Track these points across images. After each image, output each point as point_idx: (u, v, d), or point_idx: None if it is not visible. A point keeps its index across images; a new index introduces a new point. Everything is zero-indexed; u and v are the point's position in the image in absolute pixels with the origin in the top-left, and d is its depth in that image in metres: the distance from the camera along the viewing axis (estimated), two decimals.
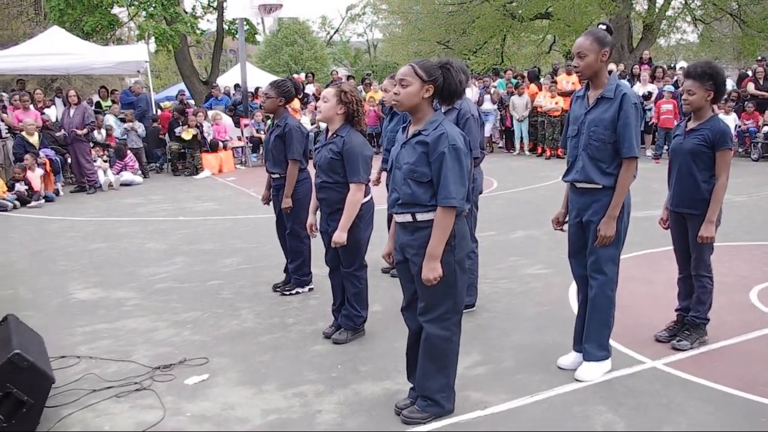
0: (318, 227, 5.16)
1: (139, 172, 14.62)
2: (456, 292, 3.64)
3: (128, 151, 14.52)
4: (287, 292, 6.18)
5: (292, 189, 5.80)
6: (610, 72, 4.14)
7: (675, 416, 3.77)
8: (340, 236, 4.71)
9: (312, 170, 5.18)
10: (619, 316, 4.97)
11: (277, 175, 5.99)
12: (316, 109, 5.08)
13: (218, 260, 7.59)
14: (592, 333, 4.24)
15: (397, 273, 3.89)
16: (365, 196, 4.86)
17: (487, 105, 17.35)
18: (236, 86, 19.25)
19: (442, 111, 5.05)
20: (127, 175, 14.06)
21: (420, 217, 3.56)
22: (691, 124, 4.62)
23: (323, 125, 5.06)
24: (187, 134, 15.01)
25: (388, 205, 3.74)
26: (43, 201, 11.91)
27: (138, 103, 16.28)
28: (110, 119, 14.98)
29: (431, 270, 3.49)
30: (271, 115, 6.10)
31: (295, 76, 18.55)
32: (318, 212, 5.15)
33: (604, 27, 4.12)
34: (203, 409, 4.07)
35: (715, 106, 4.70)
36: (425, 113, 3.59)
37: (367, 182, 4.87)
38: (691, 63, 4.81)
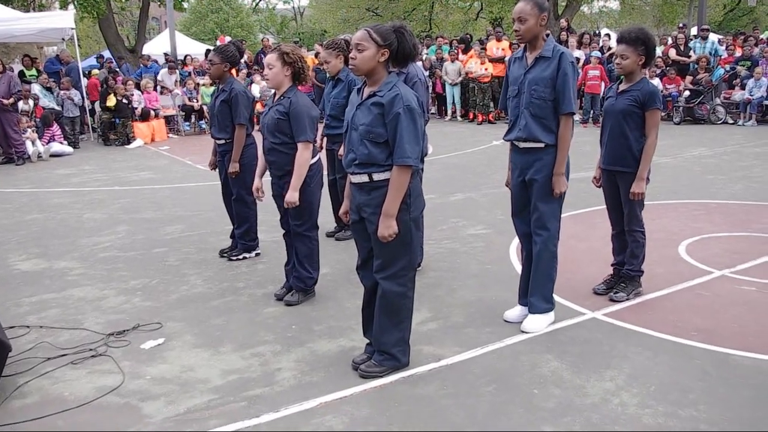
0: (264, 192, 5.20)
1: (64, 142, 14.20)
2: (411, 249, 3.77)
3: (54, 122, 14.09)
4: (234, 258, 6.23)
5: (239, 154, 5.82)
6: (547, 35, 4.31)
7: (617, 362, 4.02)
8: (292, 196, 4.77)
9: (259, 136, 5.21)
10: (559, 272, 5.21)
11: (222, 141, 5.99)
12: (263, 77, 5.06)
13: (161, 228, 7.56)
14: (536, 286, 4.45)
15: (352, 232, 4.00)
16: (313, 157, 4.94)
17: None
18: (165, 55, 18.89)
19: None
20: (56, 146, 13.67)
21: (376, 176, 3.67)
22: (623, 86, 4.85)
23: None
24: (110, 101, 14.68)
25: (344, 165, 3.83)
26: None
27: (69, 72, 15.75)
28: (36, 88, 14.51)
29: (387, 227, 3.61)
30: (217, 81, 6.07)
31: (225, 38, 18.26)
32: (267, 176, 5.19)
33: None
34: (163, 371, 4.13)
35: (645, 70, 4.94)
36: (381, 76, 3.68)
37: (314, 142, 4.93)
38: (624, 29, 5.02)
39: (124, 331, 4.73)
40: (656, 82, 14.92)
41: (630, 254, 4.97)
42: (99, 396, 3.84)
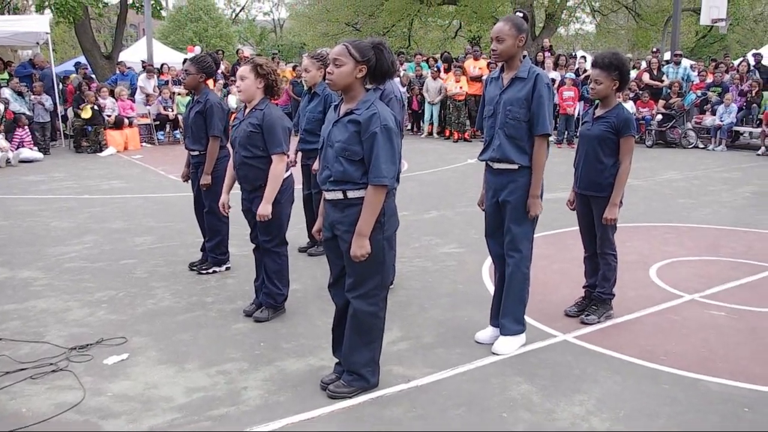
0: (231, 206, 5.12)
1: (34, 148, 13.99)
2: (384, 268, 3.73)
3: (25, 126, 13.87)
4: (204, 271, 6.14)
5: (212, 166, 5.74)
6: (524, 56, 4.32)
7: (587, 385, 4.00)
8: (264, 209, 4.71)
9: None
10: (531, 293, 5.20)
11: (196, 152, 5.92)
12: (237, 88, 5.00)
13: (130, 239, 7.44)
14: (508, 308, 4.43)
15: (324, 250, 3.94)
16: (285, 171, 4.88)
17: None
18: (142, 62, 18.74)
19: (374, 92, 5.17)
20: (26, 152, 13.45)
21: (351, 194, 3.63)
22: (599, 112, 4.87)
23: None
24: (85, 112, 14.50)
25: (318, 182, 3.78)
26: None
27: (43, 77, 15.52)
28: (7, 92, 14.28)
29: (360, 247, 3.57)
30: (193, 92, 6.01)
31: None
32: (236, 189, 5.12)
33: (521, 15, 4.28)
34: (125, 388, 4.02)
35: (620, 94, 4.97)
36: (358, 93, 3.65)
37: (288, 156, 4.88)
38: (598, 53, 5.05)
39: (87, 345, 4.61)
40: (630, 105, 15.09)
41: (602, 277, 4.98)
42: (58, 413, 3.73)
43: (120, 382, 4.11)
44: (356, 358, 3.85)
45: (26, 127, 13.87)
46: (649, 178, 11.26)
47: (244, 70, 4.82)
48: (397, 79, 17.09)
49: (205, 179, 5.75)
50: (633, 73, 17.04)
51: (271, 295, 5.01)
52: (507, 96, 4.24)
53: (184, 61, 18.30)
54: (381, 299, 3.80)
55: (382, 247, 3.67)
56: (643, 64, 17.31)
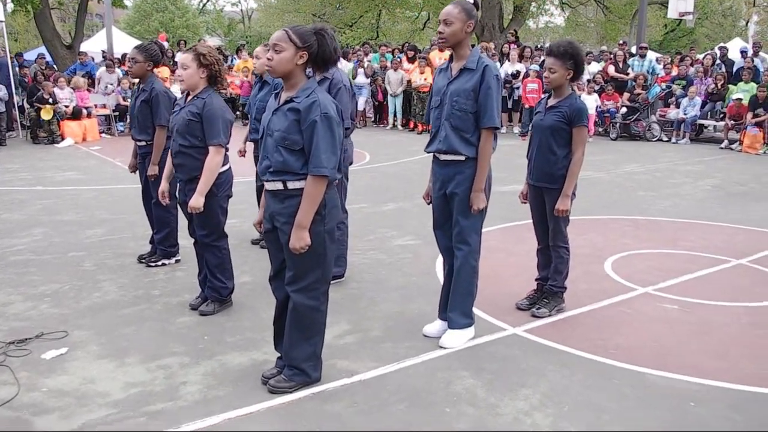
0: (170, 196, 5.01)
1: None
2: (325, 262, 3.64)
3: None
4: (153, 264, 6.00)
5: (159, 156, 5.59)
6: (473, 46, 4.24)
7: (534, 380, 3.94)
8: (197, 200, 4.57)
9: None
10: (483, 286, 5.14)
11: (143, 143, 5.77)
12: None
13: (80, 231, 7.26)
14: (456, 301, 4.36)
15: (265, 242, 3.85)
16: (224, 165, 4.75)
17: (361, 78, 17.38)
18: (103, 52, 18.41)
19: (316, 80, 5.04)
20: None
21: (291, 185, 3.53)
22: (551, 102, 4.81)
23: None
24: (46, 113, 14.17)
25: (258, 172, 3.67)
26: None
27: None
28: None
29: (299, 239, 3.48)
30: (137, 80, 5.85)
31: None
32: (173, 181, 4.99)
33: (472, 1, 4.20)
34: (61, 383, 3.90)
35: (576, 87, 4.92)
36: (298, 80, 3.55)
37: (227, 148, 4.76)
38: (553, 42, 4.98)
39: (26, 339, 4.47)
40: (594, 97, 15.12)
41: (554, 270, 4.93)
42: None
43: (57, 377, 3.99)
44: (297, 353, 3.76)
45: None
46: (611, 170, 11.28)
47: (185, 58, 4.67)
48: (346, 68, 16.96)
49: (152, 170, 5.61)
50: (600, 65, 17.11)
51: (215, 289, 4.90)
52: (454, 87, 4.15)
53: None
54: (322, 293, 3.71)
55: (323, 239, 3.58)
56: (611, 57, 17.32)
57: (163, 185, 5.00)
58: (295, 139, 3.47)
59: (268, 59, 3.50)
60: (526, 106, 15.11)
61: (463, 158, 4.16)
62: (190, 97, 4.74)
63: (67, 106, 14.69)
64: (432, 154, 4.37)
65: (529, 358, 4.22)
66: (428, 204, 4.57)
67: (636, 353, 4.31)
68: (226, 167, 4.77)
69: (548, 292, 4.97)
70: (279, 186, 3.56)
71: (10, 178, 10.50)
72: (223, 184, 4.74)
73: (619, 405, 3.68)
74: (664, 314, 4.99)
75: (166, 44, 17.04)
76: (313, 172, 3.43)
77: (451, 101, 4.15)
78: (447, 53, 13.82)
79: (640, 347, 4.41)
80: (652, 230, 7.39)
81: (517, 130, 15.92)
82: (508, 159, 11.70)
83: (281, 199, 3.58)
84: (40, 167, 11.55)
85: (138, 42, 24.72)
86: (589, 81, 15.73)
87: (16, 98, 15.15)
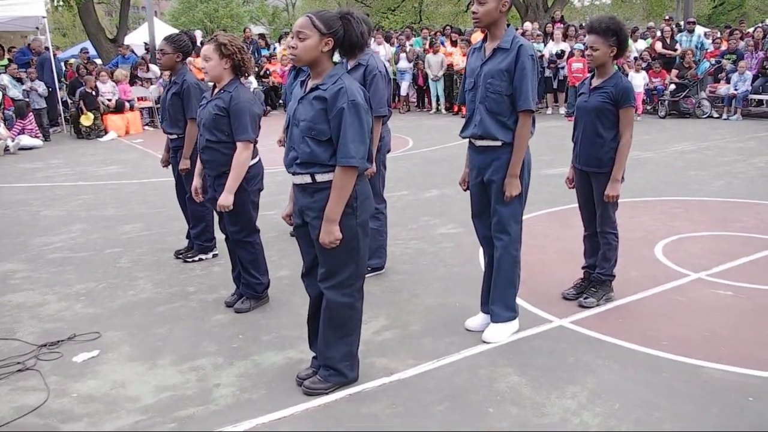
0: (204, 192, 4.88)
1: (39, 135, 13.86)
2: (358, 256, 3.47)
3: (30, 113, 13.74)
4: (189, 259, 5.91)
5: (191, 150, 5.47)
6: (508, 25, 4.00)
7: (581, 376, 3.72)
8: (226, 199, 4.43)
9: None
10: (528, 275, 4.96)
11: (174, 136, 5.67)
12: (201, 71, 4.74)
13: (118, 227, 7.22)
14: (498, 294, 4.16)
15: (296, 238, 3.68)
16: (253, 158, 4.60)
17: (403, 63, 17.15)
18: (145, 44, 18.50)
19: (349, 66, 4.87)
20: (26, 139, 13.30)
21: (320, 177, 3.35)
22: (595, 82, 4.55)
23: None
24: (86, 119, 14.28)
25: (285, 164, 3.51)
26: None
27: (42, 63, 15.32)
28: (5, 79, 14.10)
29: (329, 233, 3.31)
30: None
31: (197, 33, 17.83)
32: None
33: None
34: (91, 388, 3.80)
35: (626, 66, 4.64)
36: (325, 68, 3.36)
37: (255, 142, 4.60)
38: (594, 18, 4.71)
39: (58, 341, 4.40)
40: (642, 75, 14.65)
41: (602, 257, 4.68)
42: (17, 417, 3.52)
43: (87, 381, 3.89)
44: (332, 352, 3.60)
45: (30, 114, 13.73)
46: (660, 150, 10.88)
47: (207, 49, 4.51)
48: (390, 53, 16.72)
49: (184, 164, 5.50)
50: (647, 42, 16.58)
51: (250, 286, 4.77)
52: (488, 68, 3.93)
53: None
54: (356, 289, 3.54)
55: (355, 233, 3.40)
56: (659, 33, 16.77)
57: (196, 181, 4.87)
58: (322, 128, 3.29)
59: (292, 47, 3.31)
60: (571, 86, 14.71)
61: (499, 143, 3.94)
62: (216, 90, 4.59)
63: (110, 100, 14.78)
64: (468, 139, 4.16)
65: (577, 352, 4.00)
66: (464, 190, 4.37)
67: (689, 345, 4.06)
68: (255, 160, 4.62)
69: (596, 280, 4.72)
70: (307, 179, 3.39)
71: (53, 174, 10.57)
72: (253, 179, 4.59)
73: (672, 401, 3.44)
74: (718, 301, 4.71)
75: (199, 34, 16.98)
76: (341, 162, 3.25)
77: (485, 83, 3.92)
78: None
79: (694, 338, 4.15)
80: (703, 211, 7.05)
81: (563, 110, 15.56)
82: (554, 141, 11.41)
83: (310, 192, 3.41)
84: (83, 162, 11.62)
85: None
86: (636, 58, 15.26)
87: (59, 93, 15.28)
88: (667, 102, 14.84)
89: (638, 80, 14.20)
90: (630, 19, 35.35)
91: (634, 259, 5.55)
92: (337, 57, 3.48)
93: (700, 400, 3.45)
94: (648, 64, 15.24)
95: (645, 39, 17.06)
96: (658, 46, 15.96)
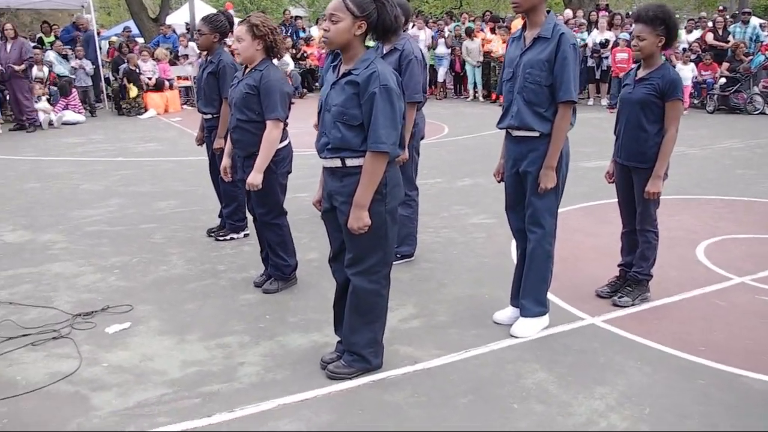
0: (233, 172, 4.88)
1: (83, 111, 14.08)
2: (386, 243, 3.42)
3: (74, 89, 13.94)
4: (221, 238, 5.93)
5: (225, 129, 5.45)
6: (548, 11, 3.88)
7: (612, 377, 3.62)
8: (254, 177, 4.41)
9: None
10: (561, 270, 4.85)
11: (209, 116, 5.68)
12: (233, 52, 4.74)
13: (154, 203, 7.29)
14: (529, 288, 4.07)
15: (324, 222, 3.64)
16: (283, 140, 4.56)
17: (441, 49, 17.00)
18: (186, 24, 18.62)
19: (384, 51, 4.80)
20: (69, 115, 13.52)
21: (350, 162, 3.30)
22: (641, 73, 4.41)
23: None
24: (132, 92, 14.47)
25: (317, 149, 3.47)
26: None
27: (87, 40, 15.53)
28: (51, 56, 14.31)
29: (357, 219, 3.26)
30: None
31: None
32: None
33: None
34: (121, 359, 3.85)
35: (673, 57, 4.49)
36: (357, 52, 3.30)
37: (285, 122, 4.57)
38: (642, 6, 4.55)
39: (92, 312, 4.47)
40: (691, 67, 14.29)
41: (640, 256, 4.55)
42: (50, 383, 3.59)
43: (117, 352, 3.95)
44: (357, 338, 3.56)
45: (74, 90, 13.94)
46: (706, 146, 10.60)
47: (240, 30, 4.49)
48: (422, 37, 16.53)
49: (218, 143, 5.50)
50: (698, 33, 16.15)
51: (277, 267, 4.76)
52: (527, 57, 3.82)
53: None
54: (383, 276, 3.49)
55: (384, 220, 3.35)
56: (710, 24, 16.34)
57: (225, 161, 4.87)
58: (354, 113, 3.23)
59: (324, 30, 3.26)
60: (615, 77, 14.43)
61: (537, 134, 3.84)
62: (247, 70, 4.56)
63: (150, 78, 14.92)
64: (504, 129, 4.06)
65: (608, 352, 3.90)
66: (499, 182, 4.28)
67: (728, 351, 3.91)
68: (285, 142, 4.59)
69: (632, 279, 4.60)
70: (337, 163, 3.34)
71: (93, 149, 10.71)
72: (282, 161, 4.56)
73: (706, 409, 3.32)
74: (761, 307, 4.54)
75: (233, 13, 17.05)
76: (371, 148, 3.19)
77: (524, 73, 3.82)
78: None
79: (733, 345, 4.00)
80: (750, 213, 6.84)
81: (605, 102, 15.27)
82: (594, 133, 11.21)
83: (339, 177, 3.36)
84: (123, 138, 11.75)
85: None
86: (685, 50, 14.89)
87: (102, 71, 15.47)
88: (716, 96, 14.46)
89: (686, 73, 13.86)
90: (681, 9, 34.56)
91: (674, 259, 5.40)
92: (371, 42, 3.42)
93: (737, 410, 3.32)
94: (698, 56, 14.86)
95: (696, 29, 16.61)
96: (709, 37, 15.51)
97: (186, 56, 16.39)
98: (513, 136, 3.98)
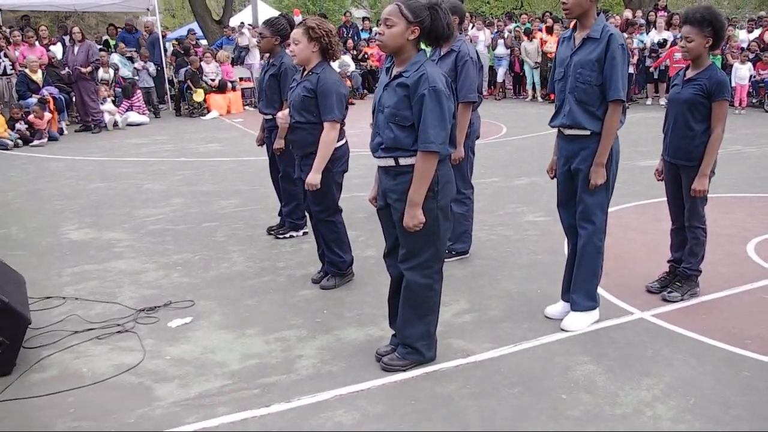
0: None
1: (146, 112, 14.53)
2: (438, 239, 3.56)
3: (137, 91, 14.40)
4: (281, 236, 6.14)
5: (285, 131, 5.66)
6: (598, 14, 3.98)
7: (659, 369, 3.70)
8: (313, 178, 4.58)
9: None
10: (613, 266, 4.93)
11: (270, 117, 5.87)
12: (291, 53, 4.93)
13: (216, 202, 7.55)
14: (579, 283, 4.17)
15: (379, 219, 3.81)
16: (340, 140, 4.74)
17: (501, 50, 17.02)
18: (249, 26, 18.98)
19: (441, 53, 4.95)
20: (133, 116, 13.97)
21: (403, 161, 3.46)
22: (689, 73, 4.47)
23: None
24: (198, 96, 14.87)
25: (371, 149, 3.63)
26: (46, 140, 11.85)
27: (153, 42, 15.98)
28: (115, 58, 14.81)
29: (412, 217, 3.41)
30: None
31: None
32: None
33: None
34: (183, 352, 4.05)
35: (729, 55, 4.53)
36: (409, 55, 3.45)
37: (342, 123, 4.73)
38: (690, 8, 4.60)
39: (155, 307, 4.69)
40: (748, 66, 14.05)
41: (689, 252, 4.61)
42: (115, 374, 3.79)
43: (180, 345, 4.15)
44: (410, 331, 3.71)
45: (137, 91, 14.39)
46: (763, 144, 10.43)
47: (296, 33, 4.67)
48: (482, 38, 16.54)
49: (278, 143, 5.70)
50: (757, 32, 15.86)
51: (333, 263, 4.93)
52: (578, 58, 3.93)
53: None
54: (435, 271, 3.63)
55: (436, 217, 3.49)
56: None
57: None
58: (406, 114, 3.39)
59: (380, 34, 3.42)
60: (671, 76, 14.25)
61: (588, 133, 3.95)
62: (305, 73, 4.75)
63: (213, 80, 15.31)
64: (557, 128, 4.17)
65: (656, 345, 3.97)
66: (552, 178, 4.38)
67: None
68: (342, 142, 4.76)
69: (681, 275, 4.66)
70: (391, 162, 3.50)
71: (157, 150, 11.08)
72: (338, 160, 4.72)
73: (750, 400, 3.38)
74: None
75: (299, 19, 17.34)
76: (421, 147, 3.34)
77: (575, 73, 3.93)
78: None
79: None
80: None
81: (663, 101, 15.09)
82: (651, 132, 11.14)
83: (393, 175, 3.52)
84: (186, 139, 12.11)
85: None
86: (743, 49, 14.64)
87: (167, 72, 15.91)
88: None
89: (743, 72, 13.66)
90: (742, 9, 33.79)
91: (724, 255, 5.42)
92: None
93: None
94: (756, 56, 14.59)
95: (756, 29, 16.29)
96: (767, 36, 15.23)
97: (247, 47, 16.66)
98: (565, 135, 4.09)
